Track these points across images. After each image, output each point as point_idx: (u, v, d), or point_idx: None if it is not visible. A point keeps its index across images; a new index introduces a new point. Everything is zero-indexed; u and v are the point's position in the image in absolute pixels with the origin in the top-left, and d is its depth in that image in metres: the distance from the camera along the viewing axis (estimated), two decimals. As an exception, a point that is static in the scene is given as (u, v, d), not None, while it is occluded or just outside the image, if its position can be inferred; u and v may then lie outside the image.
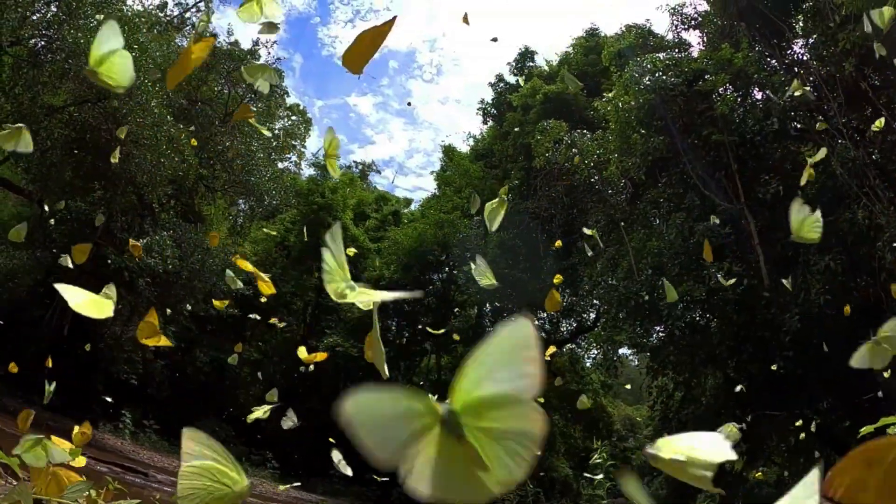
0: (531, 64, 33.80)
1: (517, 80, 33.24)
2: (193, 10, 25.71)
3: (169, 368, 25.81)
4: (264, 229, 29.54)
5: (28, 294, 21.30)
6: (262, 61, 26.26)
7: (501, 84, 34.30)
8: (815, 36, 20.43)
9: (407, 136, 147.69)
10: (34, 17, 19.16)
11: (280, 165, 29.12)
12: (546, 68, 33.06)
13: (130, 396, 23.70)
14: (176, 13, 24.98)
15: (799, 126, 21.58)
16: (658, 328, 25.26)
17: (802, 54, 21.83)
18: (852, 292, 19.43)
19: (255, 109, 27.09)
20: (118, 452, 21.09)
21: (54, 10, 19.28)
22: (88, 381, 22.03)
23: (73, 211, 22.01)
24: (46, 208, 19.93)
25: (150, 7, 24.30)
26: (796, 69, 21.50)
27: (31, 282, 21.47)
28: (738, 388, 16.73)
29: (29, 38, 19.12)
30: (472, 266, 3.27)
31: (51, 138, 20.28)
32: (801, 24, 20.90)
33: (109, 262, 22.32)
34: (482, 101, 35.04)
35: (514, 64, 34.09)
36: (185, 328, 25.96)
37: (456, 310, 34.18)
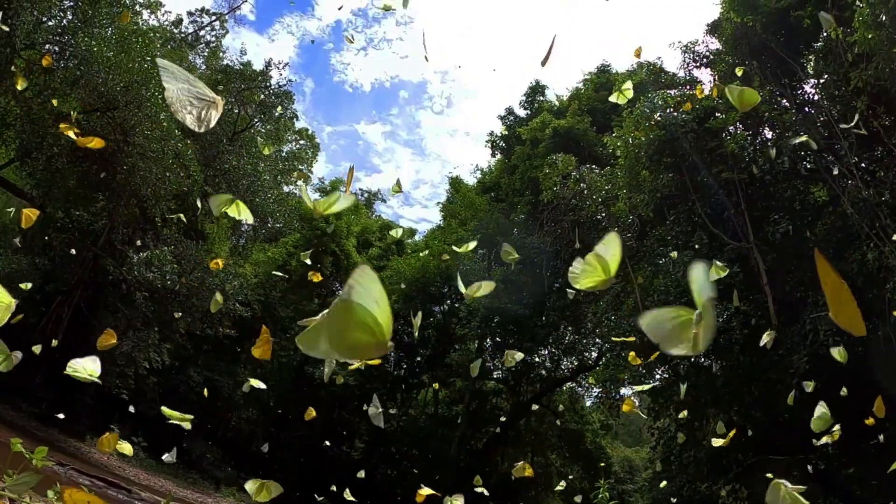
0: (541, 98, 33.91)
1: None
2: (208, 28, 25.91)
3: (161, 386, 25.31)
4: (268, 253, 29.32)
5: (23, 300, 20.88)
6: (273, 83, 26.40)
7: (511, 117, 34.37)
8: (826, 76, 20.38)
9: (414, 166, 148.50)
10: (49, 23, 19.24)
11: (285, 189, 28.99)
12: (556, 103, 33.13)
13: (120, 411, 23.15)
14: (190, 30, 25.16)
15: (809, 166, 21.42)
16: (661, 369, 24.84)
17: (813, 94, 21.77)
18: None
19: (262, 130, 27.14)
20: (103, 467, 20.57)
21: (70, 16, 19.35)
22: (78, 393, 21.55)
23: (75, 220, 21.80)
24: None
25: (166, 23, 24.51)
26: (807, 108, 21.43)
27: (28, 287, 21.06)
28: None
29: (43, 43, 19.16)
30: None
31: (57, 145, 20.19)
32: (812, 63, 20.86)
33: (110, 274, 22.08)
34: (491, 134, 35.08)
35: (524, 98, 34.25)
36: (181, 346, 25.53)
37: (456, 345, 33.70)
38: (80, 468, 18.01)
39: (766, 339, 6.24)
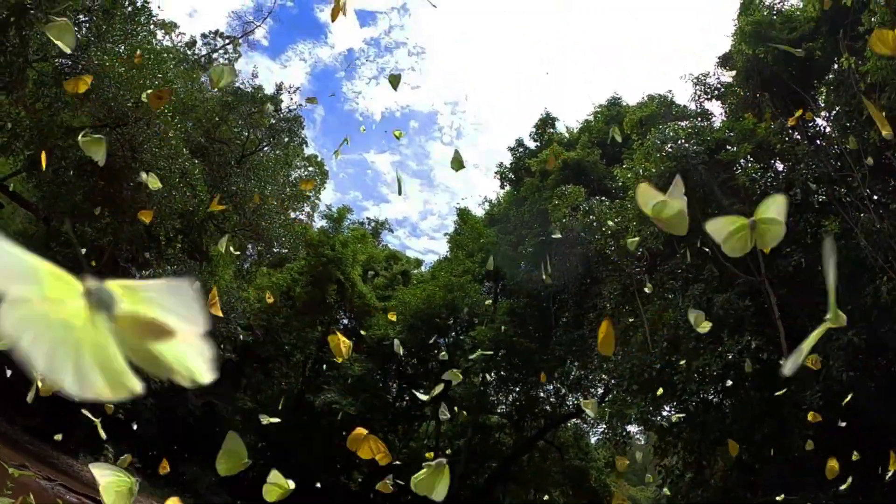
0: (551, 130, 33.92)
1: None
2: (221, 51, 26.11)
3: (159, 407, 24.85)
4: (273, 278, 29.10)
5: (22, 312, 20.58)
6: (283, 107, 26.47)
7: (521, 149, 34.32)
8: (837, 107, 20.28)
9: (423, 197, 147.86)
10: (62, 36, 19.32)
11: (292, 214, 28.88)
12: (566, 135, 33.11)
13: (115, 431, 22.67)
14: (204, 52, 25.33)
15: (821, 198, 21.17)
16: (668, 407, 24.34)
17: (825, 126, 21.67)
18: (874, 370, 18.61)
19: (272, 155, 27.12)
20: (94, 486, 19.98)
21: (84, 31, 19.48)
22: (73, 409, 21.20)
23: (80, 235, 21.68)
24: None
25: (179, 44, 24.68)
26: (819, 140, 21.29)
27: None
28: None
29: (55, 55, 19.25)
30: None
31: (65, 158, 20.17)
32: (823, 95, 20.79)
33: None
34: (500, 165, 34.91)
35: (534, 129, 34.27)
36: (180, 368, 25.08)
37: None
38: (69, 485, 17.57)
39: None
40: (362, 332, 30.04)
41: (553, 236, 21.98)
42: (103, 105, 20.13)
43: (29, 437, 20.30)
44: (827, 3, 15.16)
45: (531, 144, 34.21)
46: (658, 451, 24.53)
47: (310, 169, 30.41)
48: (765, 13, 21.76)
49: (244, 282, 28.45)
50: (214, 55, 25.82)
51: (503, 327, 28.94)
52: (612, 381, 27.26)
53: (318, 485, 21.12)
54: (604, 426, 27.83)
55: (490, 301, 32.70)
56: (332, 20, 5.56)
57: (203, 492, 24.99)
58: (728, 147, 22.29)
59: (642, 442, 30.88)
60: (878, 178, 19.25)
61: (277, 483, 3.40)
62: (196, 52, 25.69)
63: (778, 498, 13.66)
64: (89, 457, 21.89)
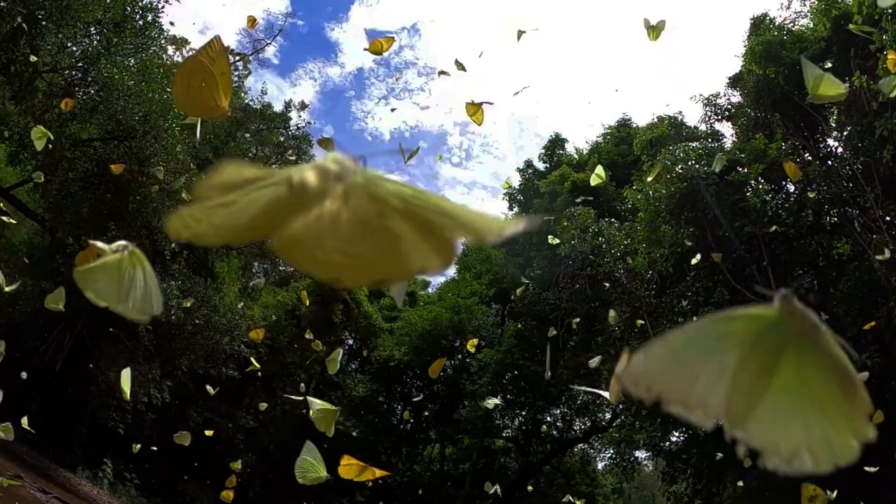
0: (561, 152, 33.87)
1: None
2: (231, 67, 26.17)
3: (159, 424, 24.52)
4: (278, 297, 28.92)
5: (25, 321, 20.57)
6: (293, 125, 26.50)
7: (530, 170, 34.27)
8: (849, 127, 20.07)
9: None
10: (73, 48, 19.46)
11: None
12: (576, 156, 33.05)
13: (115, 446, 22.42)
14: (214, 69, 25.36)
15: (834, 220, 20.89)
16: (676, 432, 23.94)
17: (837, 146, 21.45)
18: (886, 394, 18.16)
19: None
20: (91, 501, 19.71)
21: (94, 43, 19.59)
22: (73, 423, 20.92)
23: (85, 247, 21.58)
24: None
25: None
26: (830, 161, 21.05)
27: (30, 309, 20.79)
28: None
29: (65, 67, 19.34)
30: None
31: (72, 169, 20.18)
32: (835, 116, 20.60)
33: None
34: (509, 187, 34.83)
35: (544, 151, 34.23)
36: (182, 384, 24.87)
37: (465, 401, 32.75)
38: (65, 498, 17.27)
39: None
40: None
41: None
42: (112, 118, 20.17)
43: (27, 449, 20.05)
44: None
45: (540, 166, 34.22)
46: (667, 476, 24.09)
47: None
48: (775, 33, 21.67)
49: (249, 299, 28.29)
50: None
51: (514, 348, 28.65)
52: (620, 406, 26.79)
53: None
54: (612, 451, 27.42)
55: (495, 318, 32.45)
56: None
57: (202, 511, 24.64)
58: (739, 168, 22.08)
59: (650, 468, 30.33)
60: (891, 198, 18.96)
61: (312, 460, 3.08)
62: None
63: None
64: (87, 471, 21.63)
